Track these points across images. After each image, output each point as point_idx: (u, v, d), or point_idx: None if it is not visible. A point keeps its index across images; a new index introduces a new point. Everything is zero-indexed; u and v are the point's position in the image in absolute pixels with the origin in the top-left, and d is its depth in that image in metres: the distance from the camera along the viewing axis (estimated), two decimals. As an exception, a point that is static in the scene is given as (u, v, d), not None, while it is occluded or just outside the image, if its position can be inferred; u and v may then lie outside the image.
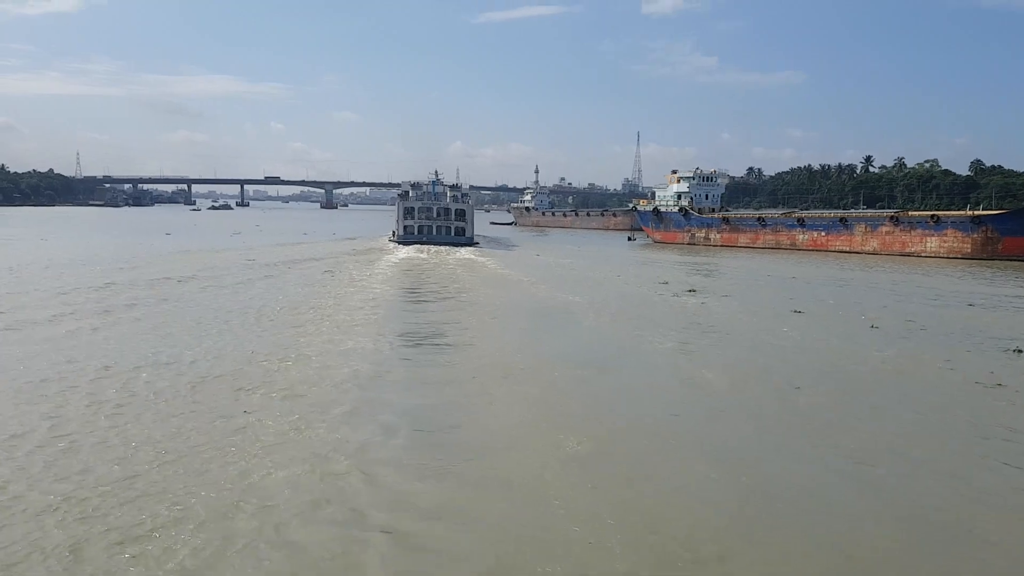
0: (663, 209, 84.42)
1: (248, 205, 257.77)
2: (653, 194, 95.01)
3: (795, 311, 27.13)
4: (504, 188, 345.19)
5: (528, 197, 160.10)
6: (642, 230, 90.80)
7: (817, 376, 16.95)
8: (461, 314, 25.30)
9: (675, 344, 20.61)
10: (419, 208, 66.92)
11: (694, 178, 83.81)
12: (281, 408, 13.41)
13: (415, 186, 71.40)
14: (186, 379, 15.30)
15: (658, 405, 14.34)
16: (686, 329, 23.15)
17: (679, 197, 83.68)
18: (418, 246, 61.47)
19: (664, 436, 12.46)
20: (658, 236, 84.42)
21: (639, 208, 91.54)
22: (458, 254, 56.06)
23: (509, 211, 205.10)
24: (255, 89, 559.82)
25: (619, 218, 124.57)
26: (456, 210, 67.53)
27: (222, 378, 15.47)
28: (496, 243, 74.79)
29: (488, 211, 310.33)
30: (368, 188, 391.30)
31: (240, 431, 12.17)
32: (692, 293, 33.07)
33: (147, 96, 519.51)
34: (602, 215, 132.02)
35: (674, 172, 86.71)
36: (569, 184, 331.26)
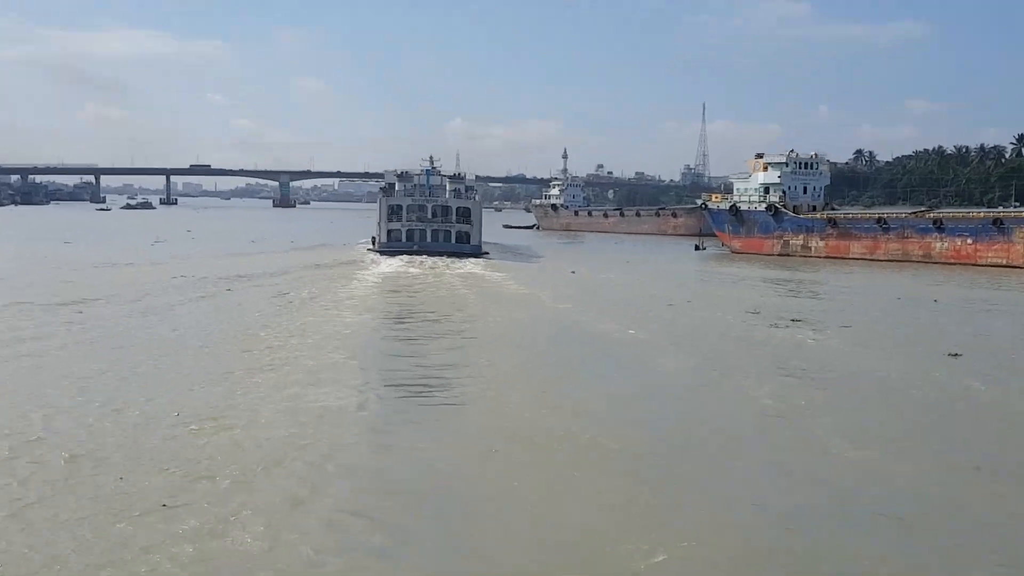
0: (744, 207, 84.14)
1: (176, 203, 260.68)
2: (727, 187, 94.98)
3: (951, 353, 26.47)
4: (520, 179, 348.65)
5: (555, 191, 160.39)
6: (714, 235, 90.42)
7: (1018, 461, 15.66)
8: (470, 356, 25.61)
9: (783, 404, 20.00)
10: (408, 206, 68.19)
11: (787, 164, 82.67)
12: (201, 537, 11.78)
13: (403, 177, 72.66)
14: (54, 471, 14.32)
15: (769, 525, 12.64)
16: (794, 379, 22.78)
17: (766, 191, 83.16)
18: (407, 257, 62.48)
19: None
20: (737, 244, 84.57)
21: (710, 206, 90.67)
22: (461, 268, 57.38)
23: (528, 210, 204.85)
24: (188, 49, 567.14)
25: (681, 219, 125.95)
26: (458, 209, 68.67)
27: (107, 463, 14.62)
28: (513, 253, 76.28)
29: (499, 210, 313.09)
30: (337, 180, 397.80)
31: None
32: (796, 324, 33.22)
33: (44, 59, 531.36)
34: (657, 215, 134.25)
35: (759, 157, 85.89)
36: (609, 174, 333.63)
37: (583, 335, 29.79)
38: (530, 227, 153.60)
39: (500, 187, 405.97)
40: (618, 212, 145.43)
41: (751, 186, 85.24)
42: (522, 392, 20.56)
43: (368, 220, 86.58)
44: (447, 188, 71.66)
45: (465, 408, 19.23)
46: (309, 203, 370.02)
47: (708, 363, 24.91)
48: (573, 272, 57.89)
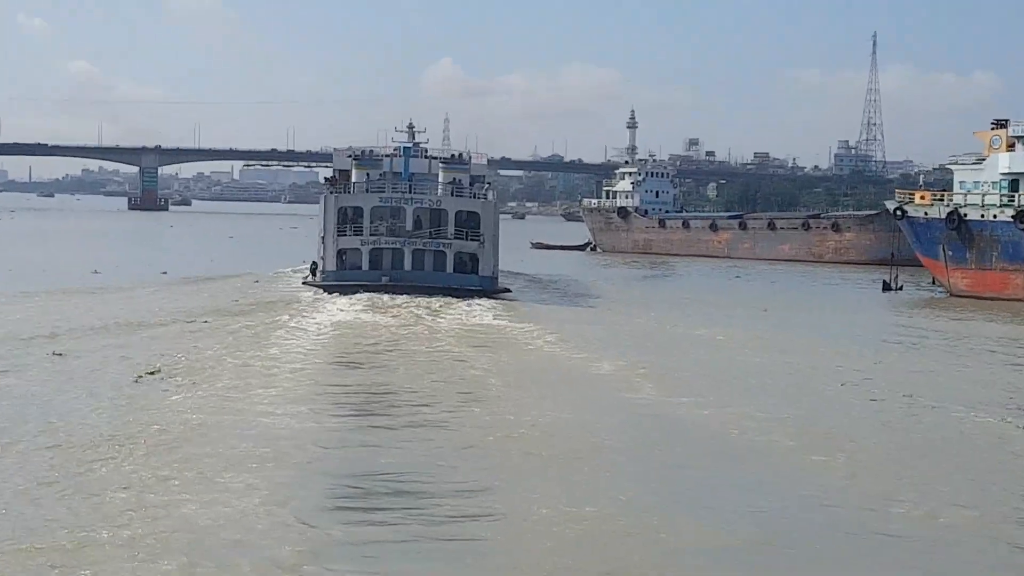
0: (974, 215, 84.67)
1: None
2: (928, 181, 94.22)
3: None
4: (554, 163, 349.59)
5: (625, 184, 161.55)
6: (916, 263, 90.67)
7: None
8: (501, 508, 24.19)
9: None
10: (374, 210, 70.30)
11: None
12: None
13: (364, 160, 75.17)
14: None
15: None
16: None
17: (1015, 186, 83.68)
18: (370, 296, 64.67)
19: None
20: (962, 279, 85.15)
21: (909, 212, 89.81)
22: (465, 315, 59.95)
23: (571, 216, 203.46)
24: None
25: (849, 235, 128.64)
26: (460, 214, 70.82)
27: None
28: (549, 290, 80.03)
29: (519, 216, 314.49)
30: (239, 165, 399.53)
31: None
32: None
33: None
34: (805, 227, 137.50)
35: (999, 125, 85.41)
36: (710, 156, 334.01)
37: (731, 469, 28.40)
38: (582, 247, 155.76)
39: (521, 177, 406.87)
40: (738, 223, 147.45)
41: (986, 177, 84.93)
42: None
43: (297, 234, 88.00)
44: (440, 179, 73.38)
45: None
46: (190, 203, 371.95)
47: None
48: (674, 326, 58.93)
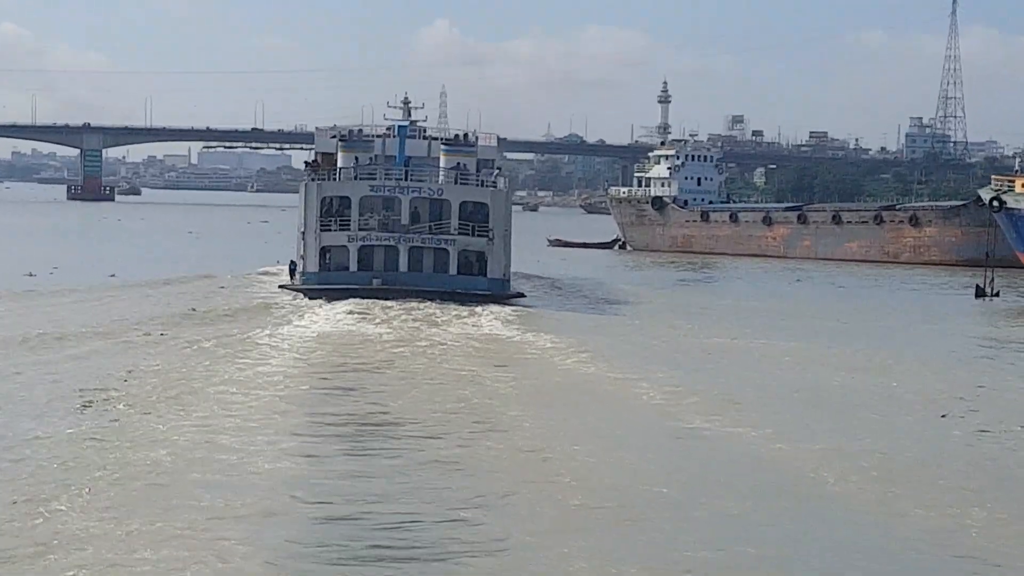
0: None
1: None
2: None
3: None
4: (571, 144, 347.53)
5: (661, 170, 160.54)
6: (1020, 263, 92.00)
7: None
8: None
9: None
10: (363, 200, 70.29)
11: None
12: None
13: (351, 141, 74.70)
14: None
15: None
16: None
17: None
18: (360, 303, 64.94)
19: None
20: None
21: (1009, 203, 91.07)
22: (473, 325, 60.30)
23: (591, 208, 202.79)
24: None
25: (931, 230, 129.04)
26: (465, 206, 70.85)
27: None
28: (573, 295, 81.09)
29: (532, 208, 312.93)
30: (197, 147, 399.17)
31: None
32: None
33: None
34: (877, 222, 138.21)
35: None
36: (757, 136, 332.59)
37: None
38: (608, 244, 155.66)
39: (532, 162, 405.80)
40: (796, 215, 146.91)
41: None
42: None
43: (268, 229, 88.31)
44: (441, 164, 73.30)
45: None
46: (140, 192, 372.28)
47: None
48: (733, 338, 58.33)
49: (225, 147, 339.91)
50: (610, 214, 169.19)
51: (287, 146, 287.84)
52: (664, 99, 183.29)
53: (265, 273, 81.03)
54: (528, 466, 31.41)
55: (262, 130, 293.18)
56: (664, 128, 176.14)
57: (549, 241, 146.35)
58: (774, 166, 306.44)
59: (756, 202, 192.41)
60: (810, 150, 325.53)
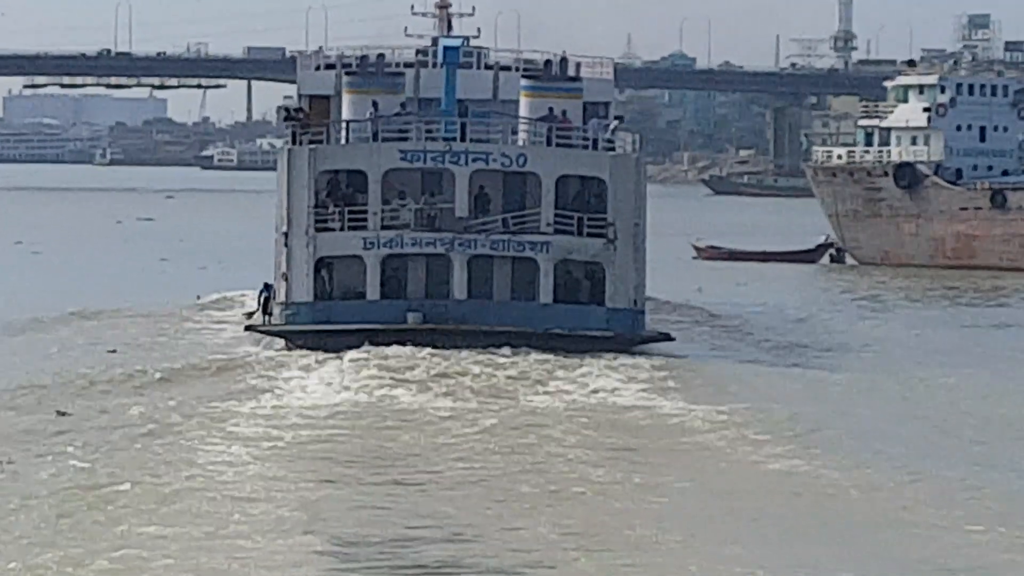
0: None
1: None
2: None
3: None
4: (678, 71, 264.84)
5: (909, 106, 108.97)
6: None
7: None
8: None
9: None
10: (391, 176, 55.88)
11: None
12: None
13: (363, 73, 58.52)
14: None
15: None
16: None
17: None
18: (381, 353, 52.43)
19: None
20: None
21: None
22: (583, 386, 49.33)
23: (720, 184, 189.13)
24: None
25: None
26: (568, 183, 56.70)
27: None
28: (755, 340, 66.65)
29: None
30: (18, 84, 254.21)
31: None
32: None
33: None
34: None
35: None
36: (1017, 46, 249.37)
37: None
38: (809, 253, 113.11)
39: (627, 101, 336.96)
40: None
41: None
42: None
43: (157, 231, 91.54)
44: (522, 111, 57.64)
45: None
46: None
47: None
48: None
49: (62, 86, 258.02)
50: (756, 195, 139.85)
51: (167, 79, 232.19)
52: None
53: (215, 304, 68.22)
54: None
55: (130, 54, 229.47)
56: (846, 39, 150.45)
57: (696, 249, 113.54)
58: None
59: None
60: None
